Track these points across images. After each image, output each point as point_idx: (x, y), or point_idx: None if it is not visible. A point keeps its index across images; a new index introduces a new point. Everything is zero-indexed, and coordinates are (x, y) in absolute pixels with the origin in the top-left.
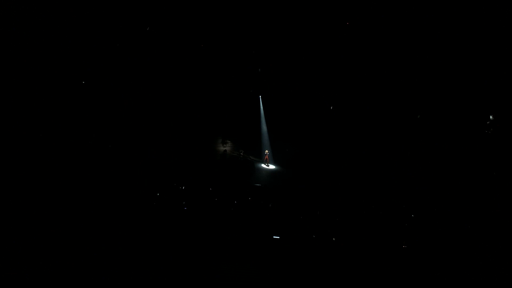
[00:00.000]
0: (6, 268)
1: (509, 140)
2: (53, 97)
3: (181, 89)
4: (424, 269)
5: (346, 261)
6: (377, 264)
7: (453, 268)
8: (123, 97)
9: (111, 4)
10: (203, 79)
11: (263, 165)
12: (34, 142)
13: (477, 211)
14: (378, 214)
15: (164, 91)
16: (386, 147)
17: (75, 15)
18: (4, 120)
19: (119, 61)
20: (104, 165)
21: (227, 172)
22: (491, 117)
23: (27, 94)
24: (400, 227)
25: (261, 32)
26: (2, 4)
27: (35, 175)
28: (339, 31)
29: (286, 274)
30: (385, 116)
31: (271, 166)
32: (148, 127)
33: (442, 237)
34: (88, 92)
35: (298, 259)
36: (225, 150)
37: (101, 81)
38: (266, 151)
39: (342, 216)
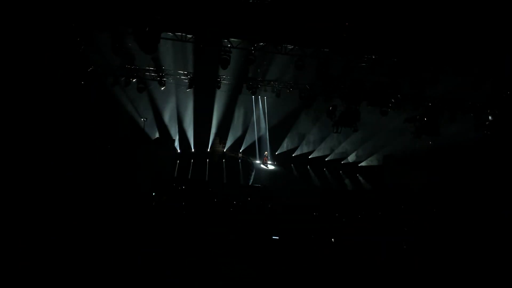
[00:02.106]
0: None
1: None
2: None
3: (180, 88)
4: (424, 269)
5: (346, 261)
6: (376, 264)
7: (454, 268)
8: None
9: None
10: (203, 78)
11: (262, 166)
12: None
13: (479, 211)
14: (376, 215)
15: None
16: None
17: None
18: None
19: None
20: (99, 166)
21: (226, 173)
22: (490, 117)
23: None
24: (400, 227)
25: (261, 30)
26: None
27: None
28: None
29: (286, 275)
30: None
31: (270, 167)
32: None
33: (442, 237)
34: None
35: (297, 259)
36: (224, 151)
37: (97, 79)
38: (266, 152)
39: (341, 216)
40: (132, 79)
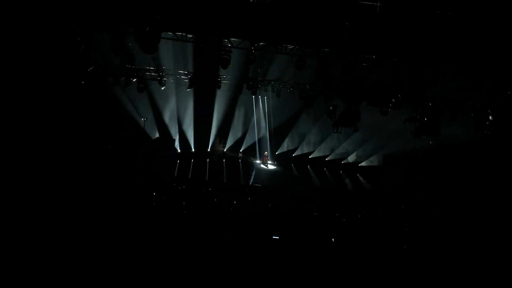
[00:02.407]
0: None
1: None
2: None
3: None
4: (424, 269)
5: (346, 262)
6: (377, 265)
7: (454, 268)
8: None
9: None
10: (203, 78)
11: (263, 166)
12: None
13: (479, 211)
14: (377, 215)
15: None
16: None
17: None
18: None
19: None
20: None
21: (227, 173)
22: (490, 117)
23: None
24: (400, 228)
25: (261, 30)
26: None
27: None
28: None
29: (286, 274)
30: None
31: (271, 167)
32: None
33: (443, 237)
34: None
35: (297, 259)
36: (224, 151)
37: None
38: (266, 152)
39: (341, 216)
40: (132, 79)
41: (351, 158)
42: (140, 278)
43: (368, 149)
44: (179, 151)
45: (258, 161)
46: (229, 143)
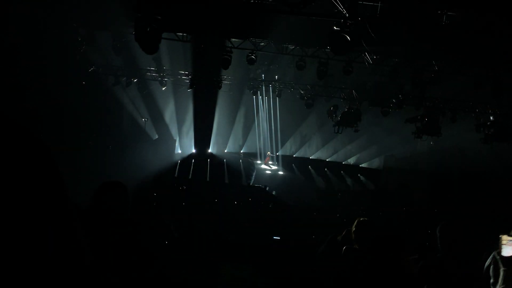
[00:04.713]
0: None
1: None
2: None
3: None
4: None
5: (347, 262)
6: (377, 265)
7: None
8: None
9: None
10: (204, 78)
11: (264, 166)
12: None
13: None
14: (377, 215)
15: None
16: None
17: None
18: None
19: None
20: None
21: (228, 173)
22: (491, 117)
23: None
24: (401, 228)
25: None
26: None
27: None
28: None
29: (287, 275)
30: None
31: (272, 167)
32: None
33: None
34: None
35: (298, 259)
36: (225, 151)
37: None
38: (268, 152)
39: (342, 216)
40: (133, 79)
41: (352, 160)
42: (140, 278)
43: (372, 151)
44: (179, 151)
45: (259, 162)
46: (230, 143)
